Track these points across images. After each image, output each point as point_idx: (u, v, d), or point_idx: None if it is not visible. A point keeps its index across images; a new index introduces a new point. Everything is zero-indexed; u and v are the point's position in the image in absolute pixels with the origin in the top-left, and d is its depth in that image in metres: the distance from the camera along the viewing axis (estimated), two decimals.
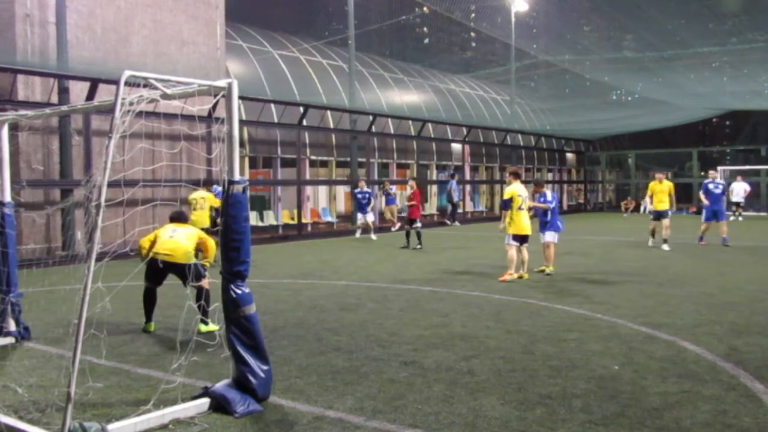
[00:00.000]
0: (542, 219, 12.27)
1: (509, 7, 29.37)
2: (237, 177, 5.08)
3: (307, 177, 23.34)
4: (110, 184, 4.41)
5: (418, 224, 17.01)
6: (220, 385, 5.07)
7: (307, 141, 23.07)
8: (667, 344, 6.81)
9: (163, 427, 4.62)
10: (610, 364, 6.07)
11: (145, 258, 7.43)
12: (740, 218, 26.99)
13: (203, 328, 7.19)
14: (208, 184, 13.30)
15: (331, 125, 24.01)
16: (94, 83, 15.31)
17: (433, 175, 29.86)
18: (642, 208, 33.25)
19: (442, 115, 29.92)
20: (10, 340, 7.09)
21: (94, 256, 4.27)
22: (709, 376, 5.67)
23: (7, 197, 7.24)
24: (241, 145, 19.97)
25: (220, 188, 10.45)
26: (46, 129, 15.25)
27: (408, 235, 17.15)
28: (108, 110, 4.93)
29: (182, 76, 5.09)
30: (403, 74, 31.55)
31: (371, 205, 19.86)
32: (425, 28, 48.94)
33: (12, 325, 7.12)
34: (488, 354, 6.48)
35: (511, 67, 32.71)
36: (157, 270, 7.31)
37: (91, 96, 15.05)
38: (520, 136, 34.28)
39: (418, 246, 16.62)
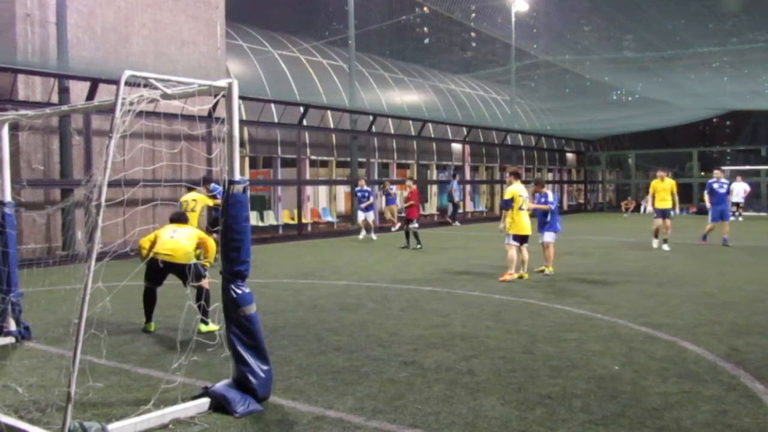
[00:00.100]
0: (542, 219, 12.26)
1: (509, 7, 29.37)
2: (237, 177, 5.09)
3: (307, 177, 23.34)
4: (110, 184, 4.42)
5: (415, 224, 17.01)
6: (220, 385, 5.08)
7: (308, 141, 23.07)
8: (668, 344, 6.81)
9: (163, 426, 4.62)
10: (611, 364, 6.06)
11: (146, 258, 7.45)
12: (740, 218, 26.98)
13: (203, 328, 7.20)
14: (206, 182, 13.30)
15: (332, 125, 24.00)
16: (95, 83, 15.32)
17: (434, 175, 29.84)
18: (642, 208, 33.28)
19: (442, 115, 29.91)
20: (10, 339, 7.09)
21: (94, 255, 4.27)
22: (710, 377, 5.67)
23: (8, 197, 7.24)
24: (242, 145, 19.98)
25: (219, 187, 10.49)
26: (47, 129, 15.26)
27: (408, 235, 17.14)
28: (108, 110, 4.94)
29: (182, 76, 5.09)
30: (404, 74, 31.54)
31: (370, 201, 19.80)
32: (425, 28, 48.99)
33: (12, 325, 7.12)
34: (488, 354, 6.48)
35: (511, 67, 32.71)
36: (158, 270, 7.34)
37: (91, 96, 15.06)
38: (520, 136, 34.26)
39: (418, 246, 16.62)
